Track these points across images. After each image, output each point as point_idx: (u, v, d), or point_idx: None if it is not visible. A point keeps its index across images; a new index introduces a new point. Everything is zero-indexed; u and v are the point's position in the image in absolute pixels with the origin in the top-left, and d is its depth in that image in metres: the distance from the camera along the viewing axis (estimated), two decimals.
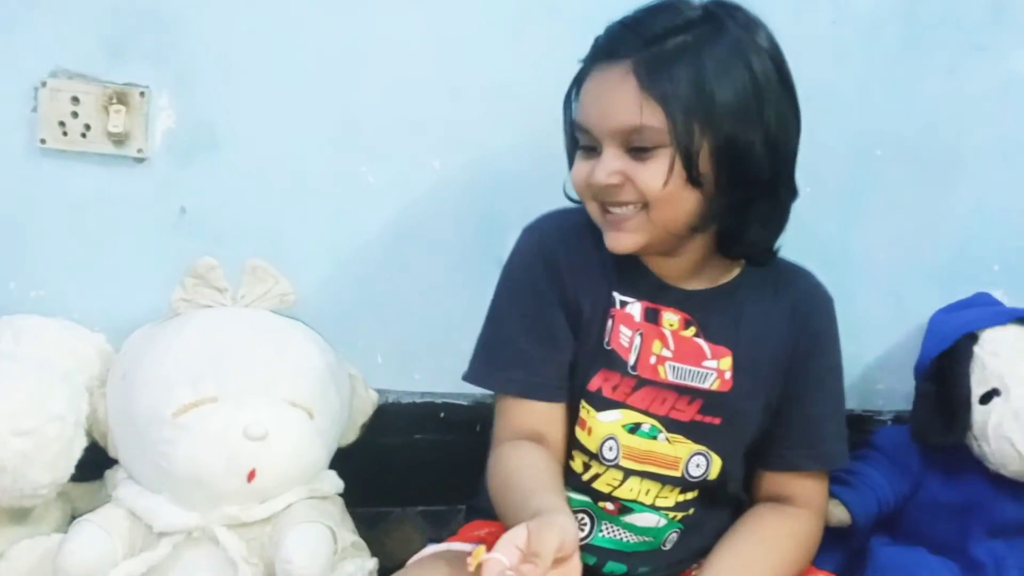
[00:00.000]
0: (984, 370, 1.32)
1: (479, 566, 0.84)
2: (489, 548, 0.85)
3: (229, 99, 1.33)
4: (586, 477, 1.11)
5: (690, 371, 1.09)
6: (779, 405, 1.13)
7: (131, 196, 1.34)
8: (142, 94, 1.31)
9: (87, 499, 1.28)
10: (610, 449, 1.09)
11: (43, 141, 1.30)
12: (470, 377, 1.13)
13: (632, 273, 1.10)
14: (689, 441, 1.10)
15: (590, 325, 1.10)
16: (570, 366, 1.10)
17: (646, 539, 1.12)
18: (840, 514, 1.33)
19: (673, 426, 1.09)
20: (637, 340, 1.09)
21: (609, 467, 1.10)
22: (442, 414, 1.46)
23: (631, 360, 1.09)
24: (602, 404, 1.09)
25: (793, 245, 1.13)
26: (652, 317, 1.10)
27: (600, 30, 1.05)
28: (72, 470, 1.20)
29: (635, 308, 1.10)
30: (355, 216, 1.40)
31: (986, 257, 1.55)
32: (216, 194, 1.35)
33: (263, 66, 1.33)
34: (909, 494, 1.39)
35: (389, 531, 1.48)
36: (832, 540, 1.28)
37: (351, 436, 1.36)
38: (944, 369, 1.35)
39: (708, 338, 1.10)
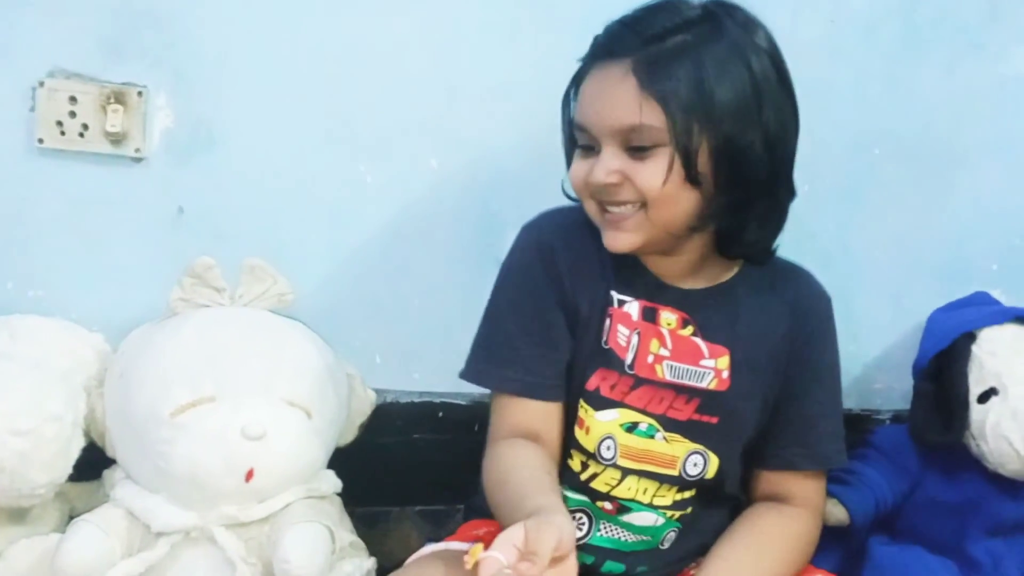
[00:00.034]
0: (982, 369, 1.32)
1: (476, 564, 0.84)
2: (487, 547, 0.85)
3: (227, 98, 1.33)
4: (584, 476, 1.11)
5: (687, 370, 1.09)
6: (776, 404, 1.13)
7: (129, 196, 1.34)
8: (140, 94, 1.31)
9: (85, 499, 1.28)
10: (608, 448, 1.09)
11: (41, 141, 1.30)
12: (467, 375, 1.13)
13: (630, 272, 1.10)
14: (686, 440, 1.10)
15: (588, 324, 1.10)
16: (568, 365, 1.10)
17: (644, 538, 1.12)
18: (838, 513, 1.33)
19: (670, 425, 1.09)
20: (635, 339, 1.09)
21: (607, 466, 1.10)
22: (440, 414, 1.46)
23: (629, 359, 1.09)
24: (600, 403, 1.09)
25: (791, 244, 1.13)
26: (650, 316, 1.10)
27: (599, 29, 1.05)
28: (70, 470, 1.20)
29: (633, 307, 1.10)
30: (353, 216, 1.40)
31: (984, 256, 1.55)
32: (214, 193, 1.35)
33: (261, 65, 1.33)
34: (907, 493, 1.39)
35: (387, 531, 1.48)
36: (830, 539, 1.28)
37: (349, 436, 1.36)
38: (942, 368, 1.35)
39: (706, 337, 1.10)
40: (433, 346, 1.43)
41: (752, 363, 1.10)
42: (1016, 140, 1.52)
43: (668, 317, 1.10)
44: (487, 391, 1.14)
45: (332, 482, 1.28)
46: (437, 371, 1.43)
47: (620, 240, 1.05)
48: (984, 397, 1.32)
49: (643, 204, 1.02)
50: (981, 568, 1.34)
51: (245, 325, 1.26)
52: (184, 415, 1.17)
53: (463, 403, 1.45)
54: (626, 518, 1.11)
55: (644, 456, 1.09)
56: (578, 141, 1.06)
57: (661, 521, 1.11)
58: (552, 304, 1.10)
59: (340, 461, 1.30)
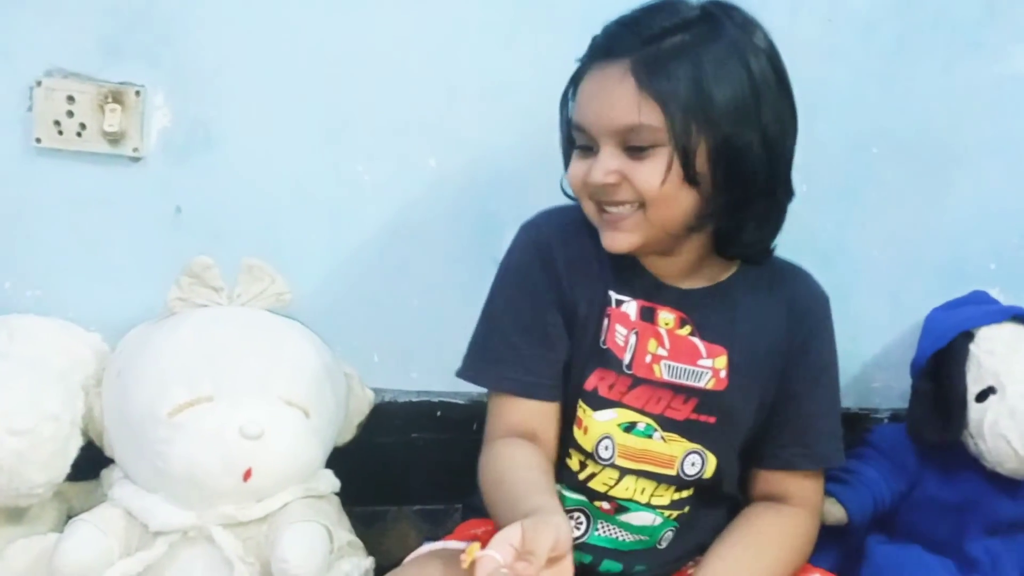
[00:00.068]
0: (980, 368, 1.33)
1: (473, 563, 0.84)
2: (484, 547, 0.85)
3: (225, 98, 1.33)
4: (582, 476, 1.11)
5: (685, 370, 1.09)
6: (774, 404, 1.13)
7: (127, 195, 1.33)
8: (137, 93, 1.31)
9: (83, 498, 1.28)
10: (606, 448, 1.09)
11: (38, 140, 1.30)
12: (464, 374, 1.13)
13: (628, 272, 1.10)
14: (684, 440, 1.10)
15: (586, 324, 1.10)
16: (566, 365, 1.10)
17: (641, 538, 1.12)
18: (836, 512, 1.33)
19: (668, 425, 1.09)
20: (633, 339, 1.09)
21: (605, 466, 1.10)
22: (439, 413, 1.46)
23: (626, 359, 1.09)
24: (598, 403, 1.09)
25: (790, 243, 1.13)
26: (648, 316, 1.10)
27: (597, 30, 1.05)
28: (68, 469, 1.20)
29: (631, 307, 1.10)
30: (351, 215, 1.40)
31: (982, 255, 1.55)
32: (212, 193, 1.35)
33: (259, 65, 1.33)
34: (905, 492, 1.39)
35: (385, 530, 1.48)
36: (828, 538, 1.28)
37: (347, 435, 1.36)
38: (940, 367, 1.35)
39: (703, 337, 1.10)
40: (431, 345, 1.43)
41: (750, 363, 1.10)
42: (1014, 139, 1.52)
43: (666, 317, 1.10)
44: (485, 390, 1.14)
45: (330, 481, 1.28)
46: (435, 370, 1.43)
47: (618, 240, 1.05)
48: (982, 396, 1.32)
49: (641, 204, 1.02)
50: (979, 567, 1.35)
51: (243, 325, 1.26)
52: (182, 414, 1.17)
53: (461, 402, 1.45)
54: (624, 518, 1.11)
55: (642, 456, 1.09)
56: (576, 141, 1.06)
57: (659, 521, 1.11)
58: (550, 304, 1.10)
59: (338, 460, 1.30)
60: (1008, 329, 1.36)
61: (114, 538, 1.15)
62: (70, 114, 1.29)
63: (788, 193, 1.08)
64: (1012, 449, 1.28)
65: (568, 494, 1.12)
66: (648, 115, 0.99)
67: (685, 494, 1.12)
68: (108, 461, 1.26)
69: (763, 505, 1.14)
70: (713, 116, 0.99)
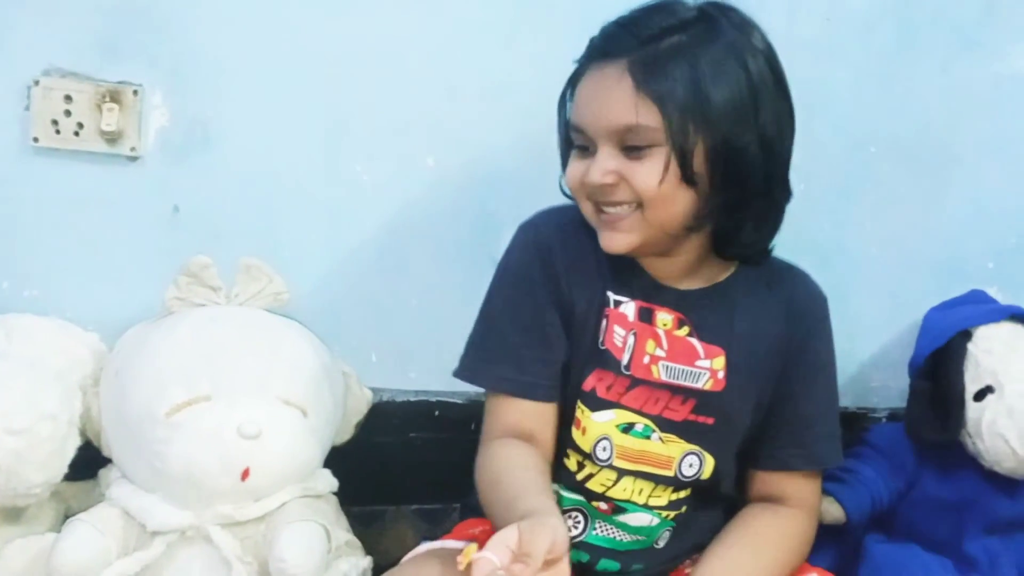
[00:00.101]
0: (978, 367, 1.33)
1: (469, 565, 0.84)
2: (482, 546, 0.85)
3: (223, 97, 1.33)
4: (580, 476, 1.11)
5: (683, 371, 1.09)
6: (772, 404, 1.13)
7: (124, 195, 1.33)
8: (135, 92, 1.31)
9: (81, 498, 1.27)
10: (603, 449, 1.09)
11: (36, 140, 1.29)
12: (461, 374, 1.13)
13: (627, 272, 1.10)
14: (682, 441, 1.10)
15: (584, 324, 1.10)
16: (565, 366, 1.10)
17: (639, 538, 1.12)
18: (834, 511, 1.33)
19: (666, 426, 1.09)
20: (631, 340, 1.09)
21: (603, 467, 1.10)
22: (437, 412, 1.46)
23: (624, 360, 1.09)
24: (596, 404, 1.09)
25: (788, 242, 1.13)
26: (646, 317, 1.09)
27: (596, 30, 1.05)
28: (65, 469, 1.19)
29: (629, 308, 1.10)
30: (350, 214, 1.39)
31: (980, 254, 1.55)
32: (210, 192, 1.35)
33: (257, 64, 1.33)
34: (904, 491, 1.39)
35: (384, 530, 1.48)
36: (826, 537, 1.28)
37: (345, 435, 1.35)
38: (938, 366, 1.35)
39: (701, 338, 1.10)
40: (429, 345, 1.43)
41: (748, 364, 1.10)
42: (1012, 138, 1.52)
43: (664, 318, 1.10)
44: (483, 390, 1.14)
45: (328, 481, 1.28)
46: (433, 370, 1.42)
47: (616, 241, 1.05)
48: (980, 395, 1.32)
49: (639, 204, 1.02)
50: (977, 566, 1.35)
51: (241, 324, 1.26)
52: (180, 414, 1.17)
53: (459, 402, 1.44)
54: (621, 518, 1.11)
55: (640, 457, 1.09)
56: (574, 142, 1.06)
57: (656, 521, 1.12)
58: (548, 304, 1.10)
59: (336, 460, 1.30)
60: (1006, 328, 1.36)
61: (112, 538, 1.15)
62: (68, 113, 1.29)
63: (786, 193, 1.08)
64: (1010, 448, 1.28)
65: (566, 494, 1.12)
66: (645, 115, 0.99)
67: (682, 495, 1.12)
68: (106, 461, 1.26)
69: (760, 506, 1.14)
70: (710, 116, 0.99)
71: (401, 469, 1.46)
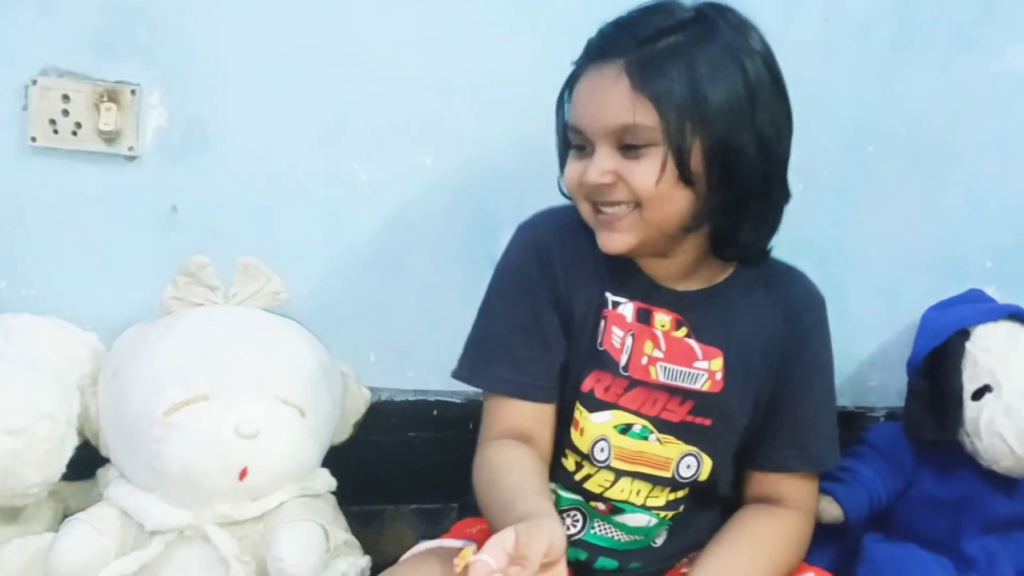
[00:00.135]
0: (976, 366, 1.33)
1: (466, 567, 0.84)
2: (480, 546, 0.85)
3: (221, 97, 1.33)
4: (578, 477, 1.11)
5: (681, 372, 1.09)
6: (769, 405, 1.13)
7: (122, 194, 1.33)
8: (133, 92, 1.30)
9: (79, 498, 1.28)
10: (601, 450, 1.09)
11: (33, 139, 1.29)
12: (459, 374, 1.13)
13: (625, 273, 1.10)
14: (680, 442, 1.10)
15: (583, 325, 1.10)
16: (563, 367, 1.10)
17: (636, 538, 1.12)
18: (833, 511, 1.33)
19: (664, 427, 1.09)
20: (629, 341, 1.09)
21: (601, 468, 1.09)
22: (435, 412, 1.46)
23: (623, 361, 1.09)
24: (594, 405, 1.09)
25: (785, 242, 1.13)
26: (644, 318, 1.09)
27: (594, 30, 1.05)
28: (63, 469, 1.20)
29: (627, 309, 1.10)
30: (348, 214, 1.39)
31: (978, 253, 1.55)
32: (208, 192, 1.35)
33: (255, 63, 1.33)
34: (902, 490, 1.39)
35: (382, 529, 1.48)
36: (824, 537, 1.28)
37: (344, 434, 1.36)
38: (936, 365, 1.35)
39: (699, 339, 1.10)
40: (428, 345, 1.43)
41: (745, 365, 1.10)
42: (1010, 137, 1.52)
43: (662, 319, 1.10)
44: (481, 390, 1.14)
45: (326, 480, 1.28)
46: (432, 370, 1.43)
47: (614, 241, 1.05)
48: (978, 394, 1.32)
49: (637, 204, 1.02)
50: (976, 565, 1.35)
51: (239, 324, 1.26)
52: (178, 414, 1.17)
53: (458, 402, 1.45)
54: (619, 519, 1.11)
55: (638, 458, 1.09)
56: (572, 142, 1.06)
57: (654, 522, 1.12)
58: (547, 304, 1.09)
59: (334, 459, 1.30)
60: (1004, 327, 1.35)
61: (110, 537, 1.15)
62: (65, 113, 1.29)
63: (784, 194, 1.08)
64: (1008, 447, 1.28)
65: (564, 494, 1.12)
66: (642, 115, 0.99)
67: (680, 495, 1.12)
68: (104, 460, 1.26)
69: (757, 507, 1.13)
70: (707, 116, 0.99)
71: (399, 469, 1.46)
